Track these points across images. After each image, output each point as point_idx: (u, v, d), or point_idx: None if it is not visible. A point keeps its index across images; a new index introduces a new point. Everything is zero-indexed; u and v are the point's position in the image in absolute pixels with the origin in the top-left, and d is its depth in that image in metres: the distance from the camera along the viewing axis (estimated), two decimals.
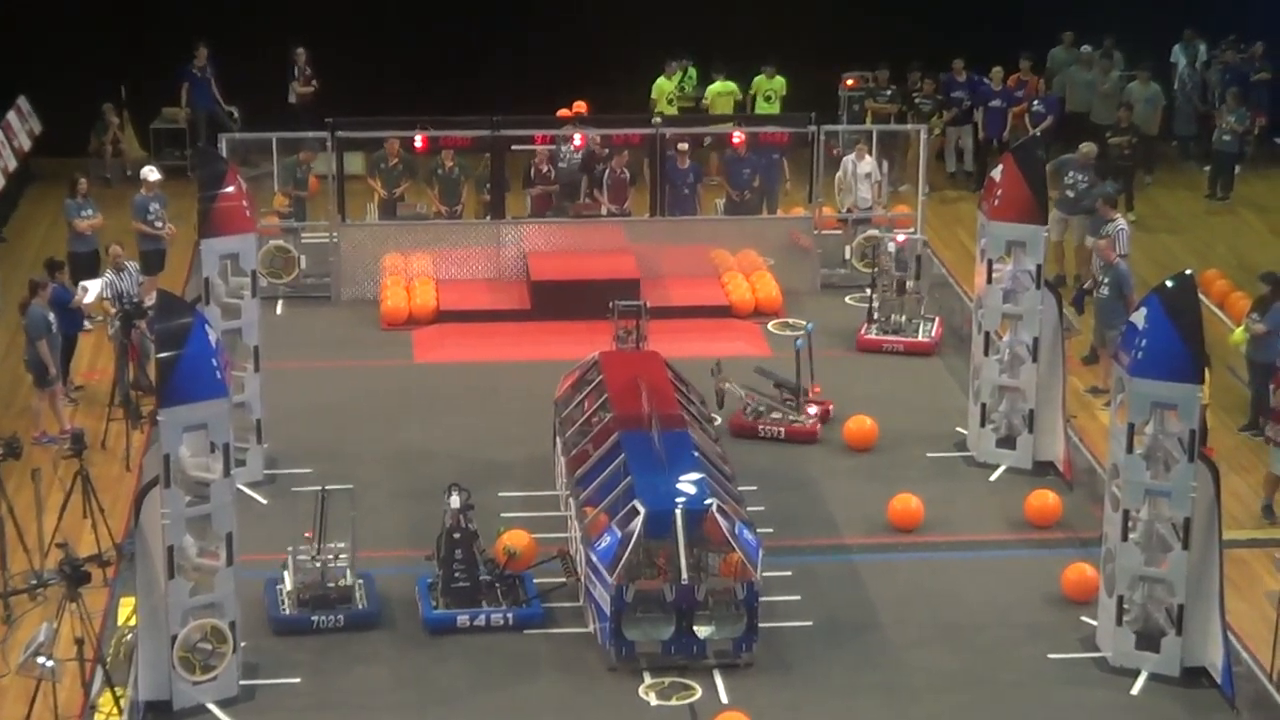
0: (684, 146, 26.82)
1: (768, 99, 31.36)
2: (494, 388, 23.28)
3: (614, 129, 27.06)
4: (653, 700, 16.85)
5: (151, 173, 25.65)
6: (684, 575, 16.97)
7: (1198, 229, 29.98)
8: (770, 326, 25.33)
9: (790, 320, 25.21)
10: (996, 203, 20.95)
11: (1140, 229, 27.13)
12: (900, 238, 25.03)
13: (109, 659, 16.83)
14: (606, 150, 26.99)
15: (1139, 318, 17.10)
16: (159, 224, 25.35)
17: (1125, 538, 17.13)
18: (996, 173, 21.28)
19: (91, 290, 23.14)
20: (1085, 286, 23.95)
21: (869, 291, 25.13)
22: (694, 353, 22.76)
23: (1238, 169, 31.32)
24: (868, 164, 27.24)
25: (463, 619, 17.76)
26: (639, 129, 26.96)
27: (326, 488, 18.00)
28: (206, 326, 16.77)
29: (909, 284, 24.85)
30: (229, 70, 31.18)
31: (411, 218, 26.96)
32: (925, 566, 19.28)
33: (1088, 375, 23.82)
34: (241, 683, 16.84)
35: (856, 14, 32.13)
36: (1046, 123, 30.79)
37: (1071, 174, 26.56)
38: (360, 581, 17.95)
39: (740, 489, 18.91)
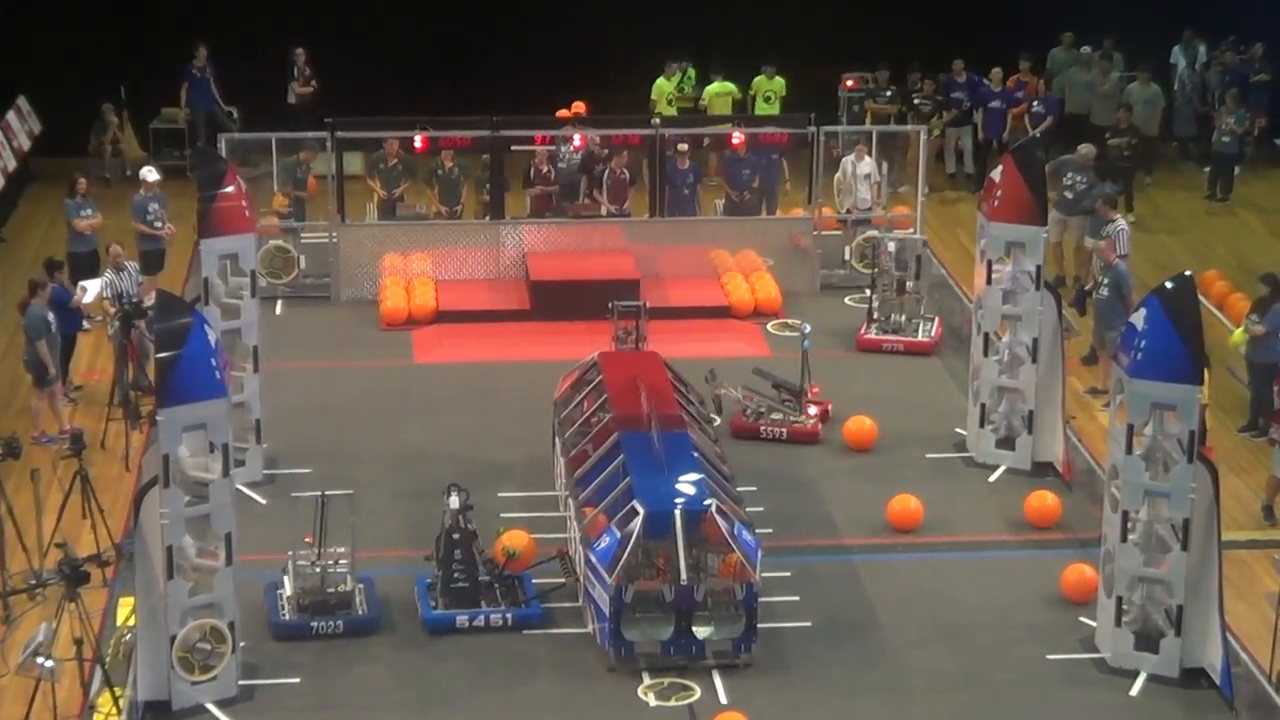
0: (684, 147, 26.82)
1: (767, 100, 31.36)
2: (493, 388, 23.28)
3: (613, 129, 27.06)
4: (652, 701, 16.85)
5: (150, 173, 25.66)
6: (683, 576, 16.97)
7: (1197, 230, 29.98)
8: (769, 327, 25.33)
9: (789, 321, 25.20)
10: (996, 204, 20.96)
11: (1140, 230, 27.13)
12: (900, 237, 25.06)
13: (108, 659, 16.83)
14: (606, 151, 27.00)
15: (1138, 319, 17.10)
16: (158, 224, 25.35)
17: (1124, 538, 17.13)
18: (996, 174, 21.28)
19: (91, 290, 23.14)
20: (1086, 288, 23.95)
21: (869, 292, 25.14)
22: (693, 353, 22.79)
23: (1237, 170, 31.31)
24: (867, 165, 27.25)
25: (462, 619, 17.76)
26: (638, 129, 26.96)
27: (326, 493, 17.96)
28: (206, 326, 16.77)
29: (909, 284, 24.85)
30: (228, 70, 31.18)
31: (411, 218, 26.96)
32: (924, 567, 19.28)
33: (1087, 376, 23.82)
34: (240, 683, 16.84)
35: (856, 14, 32.13)
36: (1046, 124, 30.80)
37: (1070, 175, 26.57)
38: (360, 586, 17.91)
39: (739, 489, 18.91)
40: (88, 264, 24.74)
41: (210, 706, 16.59)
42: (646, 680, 17.07)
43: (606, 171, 26.86)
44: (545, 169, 27.14)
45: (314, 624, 17.59)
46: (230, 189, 20.38)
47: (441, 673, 17.25)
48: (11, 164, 29.56)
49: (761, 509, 19.70)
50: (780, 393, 22.18)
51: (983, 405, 21.28)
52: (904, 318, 24.82)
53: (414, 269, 26.21)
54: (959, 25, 31.91)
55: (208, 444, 16.44)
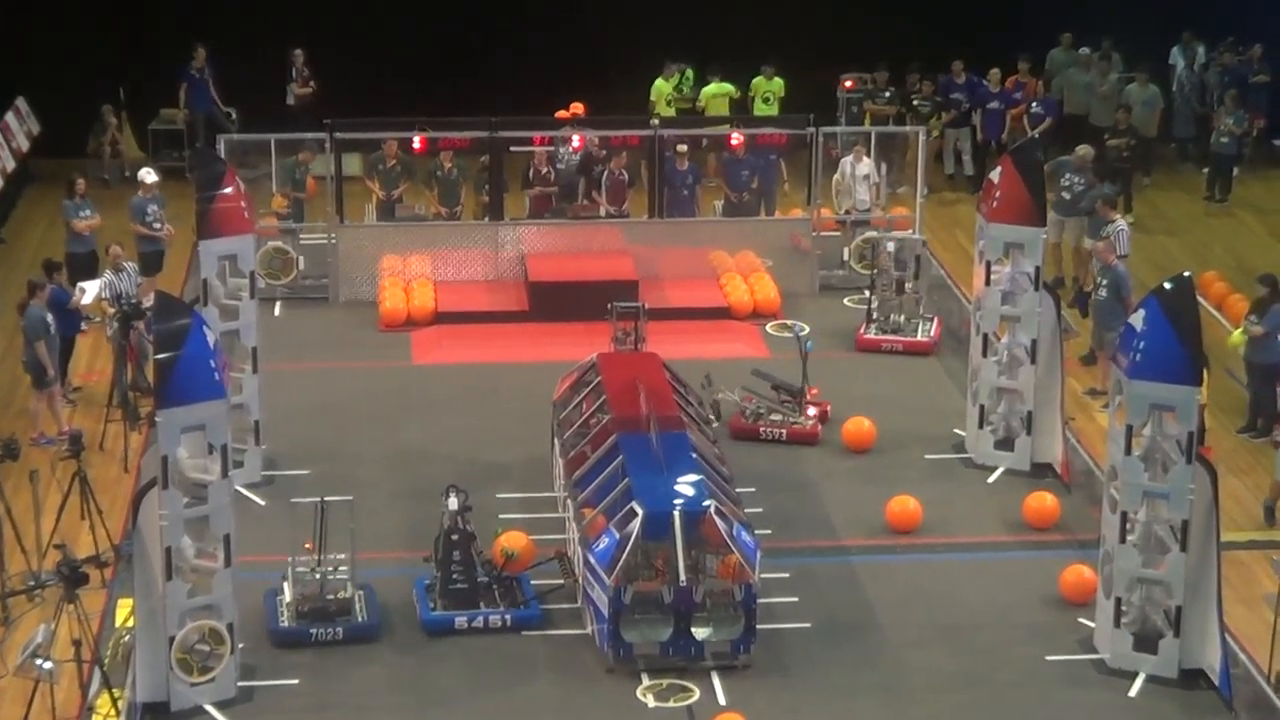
0: (683, 148, 26.82)
1: (766, 100, 31.36)
2: (492, 389, 23.28)
3: (612, 130, 27.06)
4: (650, 702, 16.85)
5: (148, 175, 25.67)
6: (682, 577, 16.96)
7: (1196, 231, 29.98)
8: (768, 328, 25.33)
9: (788, 322, 25.20)
10: (995, 205, 20.96)
11: (1138, 231, 27.12)
12: (898, 237, 25.08)
13: (107, 660, 16.84)
14: (604, 152, 26.99)
15: (1137, 320, 17.10)
16: (157, 225, 25.36)
17: (1123, 539, 17.13)
18: (995, 175, 21.29)
19: (89, 291, 23.13)
20: (1086, 289, 23.93)
21: (868, 293, 25.13)
22: (692, 354, 22.81)
23: (1236, 171, 31.30)
24: (866, 166, 27.26)
25: (460, 620, 17.75)
26: (637, 130, 26.96)
27: (326, 499, 17.91)
28: (204, 328, 16.76)
29: (908, 284, 24.86)
30: (227, 71, 31.18)
31: (410, 219, 26.96)
32: (924, 568, 19.28)
33: (1086, 377, 23.81)
34: (239, 684, 16.84)
35: (856, 15, 32.12)
36: (1045, 124, 30.80)
37: (1068, 176, 26.57)
38: (360, 593, 17.84)
39: (738, 490, 18.90)
40: (86, 265, 24.73)
41: (209, 708, 16.58)
42: (645, 681, 17.07)
43: (605, 172, 26.86)
44: (545, 170, 27.14)
45: (313, 631, 17.51)
46: (229, 190, 20.39)
47: (440, 674, 17.25)
48: (10, 165, 29.55)
49: (760, 510, 19.71)
50: (779, 394, 22.18)
51: (981, 406, 21.28)
52: (903, 318, 24.83)
53: (413, 270, 26.20)
54: (958, 26, 31.91)
55: (206, 445, 16.44)
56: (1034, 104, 31.21)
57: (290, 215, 26.97)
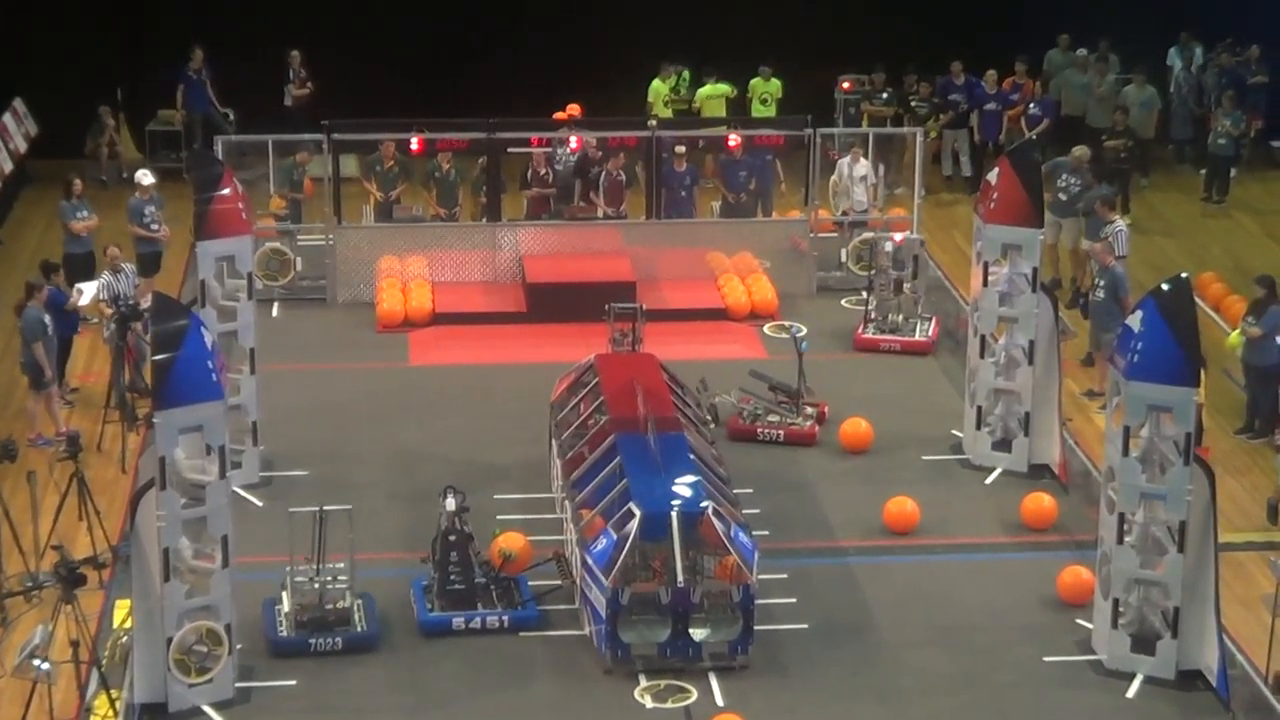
0: (681, 149, 26.81)
1: (764, 102, 31.37)
2: (490, 390, 23.27)
3: (609, 131, 27.06)
4: (648, 703, 16.84)
5: (145, 176, 25.68)
6: (680, 578, 16.95)
7: (1193, 232, 29.99)
8: (766, 329, 25.33)
9: (785, 323, 25.20)
10: (992, 206, 20.96)
11: (1136, 232, 27.12)
12: (898, 237, 25.08)
13: (104, 661, 16.84)
14: (600, 153, 26.99)
15: (1135, 321, 17.09)
16: (155, 226, 25.37)
17: (1121, 540, 17.12)
18: (992, 176, 21.28)
19: (87, 292, 23.12)
20: (1084, 291, 23.92)
21: (865, 294, 25.13)
22: (690, 355, 22.82)
23: (1233, 172, 31.30)
24: (863, 167, 27.27)
25: (458, 621, 17.74)
26: (635, 131, 26.96)
27: (325, 507, 17.82)
28: (202, 329, 16.76)
29: (906, 284, 24.86)
30: (225, 72, 31.18)
31: (407, 220, 26.96)
32: (921, 569, 19.28)
33: (1084, 378, 23.81)
34: (237, 685, 16.83)
35: (854, 16, 32.13)
36: (1042, 125, 30.80)
37: (1065, 177, 26.57)
38: (359, 603, 17.73)
39: (736, 491, 18.90)
40: (84, 266, 24.73)
41: (207, 709, 16.57)
42: (643, 682, 17.06)
43: (603, 173, 26.86)
44: (543, 171, 27.14)
45: (312, 641, 17.40)
46: (226, 191, 20.38)
47: (438, 675, 17.24)
48: (8, 166, 29.56)
49: (758, 511, 19.71)
50: (776, 395, 22.18)
51: (979, 407, 21.28)
52: (901, 317, 24.84)
53: (410, 271, 26.20)
54: (957, 27, 31.92)
55: (204, 446, 16.43)
56: (1031, 105, 31.22)
57: (288, 216, 26.95)
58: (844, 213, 27.39)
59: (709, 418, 21.19)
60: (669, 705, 16.82)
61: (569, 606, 18.08)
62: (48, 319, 21.79)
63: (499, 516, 19.47)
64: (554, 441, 20.05)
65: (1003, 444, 21.22)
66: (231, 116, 31.25)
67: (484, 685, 17.09)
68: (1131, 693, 17.08)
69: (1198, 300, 19.11)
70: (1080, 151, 27.01)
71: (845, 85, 31.44)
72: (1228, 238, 29.68)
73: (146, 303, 21.43)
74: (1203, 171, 31.61)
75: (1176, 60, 33.03)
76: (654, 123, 27.55)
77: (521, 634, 17.77)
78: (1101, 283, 22.92)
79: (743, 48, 31.49)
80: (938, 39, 31.70)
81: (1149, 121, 31.26)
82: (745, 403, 22.09)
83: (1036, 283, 20.82)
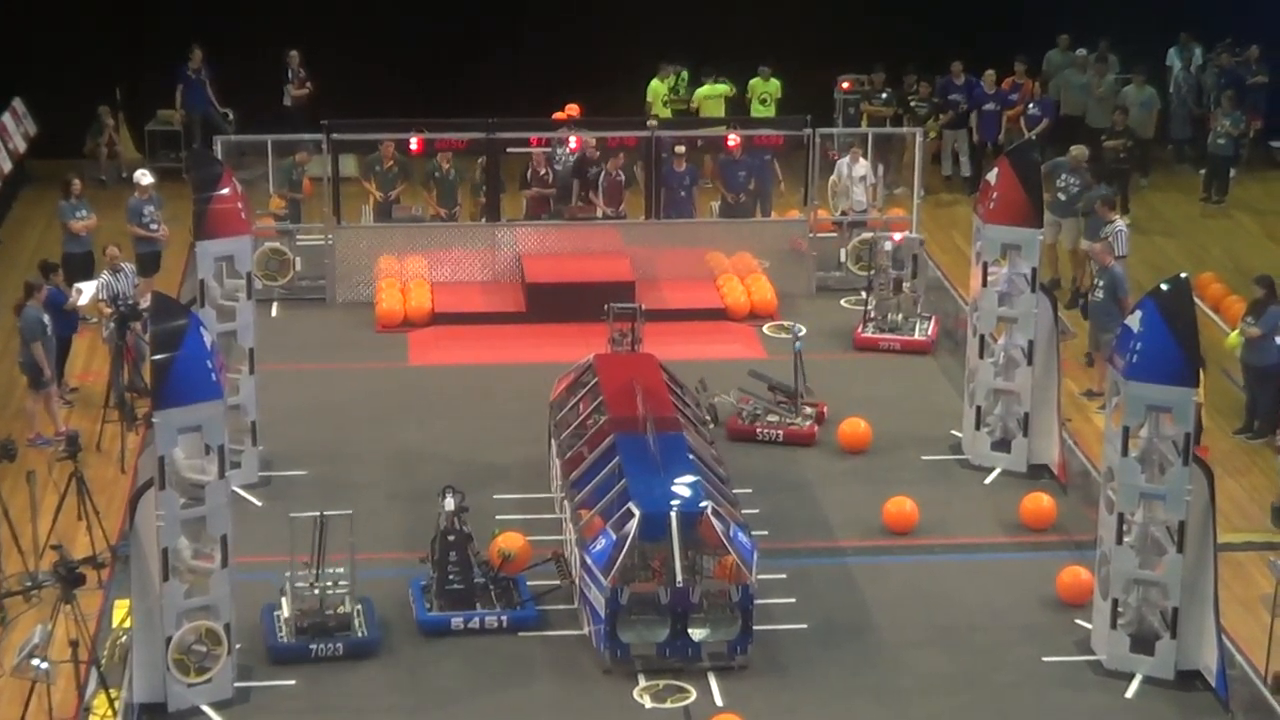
0: (680, 149, 26.81)
1: (763, 102, 31.37)
2: (489, 390, 23.27)
3: (609, 131, 27.06)
4: (647, 703, 16.84)
5: (144, 176, 25.68)
6: (679, 578, 16.94)
7: (1193, 232, 29.99)
8: (765, 329, 25.33)
9: (785, 323, 25.20)
10: (992, 206, 20.96)
11: (1135, 232, 27.09)
12: (897, 237, 25.09)
13: (104, 661, 16.84)
14: (598, 153, 26.99)
15: (1134, 321, 17.09)
16: (154, 226, 25.37)
17: (1120, 541, 17.12)
18: (992, 176, 21.28)
19: (86, 292, 23.12)
20: (1084, 291, 23.91)
21: (864, 294, 25.13)
22: (689, 355, 22.83)
23: (1233, 172, 31.29)
24: (862, 167, 27.27)
25: (457, 621, 17.74)
26: (634, 131, 26.95)
27: (325, 513, 17.81)
28: (201, 328, 16.75)
29: (905, 284, 24.86)
30: (224, 72, 31.18)
31: (407, 220, 26.96)
32: (920, 569, 19.28)
33: (1083, 378, 23.81)
34: (236, 685, 16.82)
35: (853, 16, 32.13)
36: (1042, 125, 30.79)
37: (1064, 177, 26.56)
38: (359, 607, 17.68)
39: (735, 491, 18.90)
40: (83, 265, 24.72)
41: (206, 709, 16.57)
42: (642, 682, 17.06)
43: (603, 173, 26.86)
44: (543, 171, 27.13)
45: (313, 647, 17.33)
46: (226, 191, 20.38)
47: (437, 675, 17.24)
48: (7, 166, 29.56)
49: (757, 511, 19.71)
50: (776, 395, 22.18)
51: (978, 407, 21.28)
52: (900, 317, 24.84)
53: (410, 271, 26.20)
54: (956, 27, 31.92)
55: (203, 446, 16.42)
56: (1031, 105, 31.21)
57: (287, 216, 26.95)
58: (843, 213, 27.39)
59: (708, 418, 21.20)
60: (668, 705, 16.81)
61: (568, 606, 18.08)
62: (47, 319, 21.78)
63: (498, 516, 19.47)
64: (553, 441, 20.05)
65: (1002, 444, 21.22)
66: (231, 116, 31.25)
67: (483, 685, 17.09)
68: (1130, 693, 17.08)
69: (1197, 300, 19.12)
70: (1079, 151, 27.00)
71: (845, 85, 31.43)
72: (1227, 238, 29.68)
73: (146, 302, 21.44)
74: (1202, 171, 31.60)
75: (1176, 60, 33.02)
76: (653, 123, 27.54)
77: (520, 634, 17.76)
78: (1101, 283, 22.91)
79: (742, 48, 31.50)
80: (937, 39, 31.70)
81: (1148, 121, 31.26)
82: (744, 403, 22.09)
83: (1036, 283, 20.81)
